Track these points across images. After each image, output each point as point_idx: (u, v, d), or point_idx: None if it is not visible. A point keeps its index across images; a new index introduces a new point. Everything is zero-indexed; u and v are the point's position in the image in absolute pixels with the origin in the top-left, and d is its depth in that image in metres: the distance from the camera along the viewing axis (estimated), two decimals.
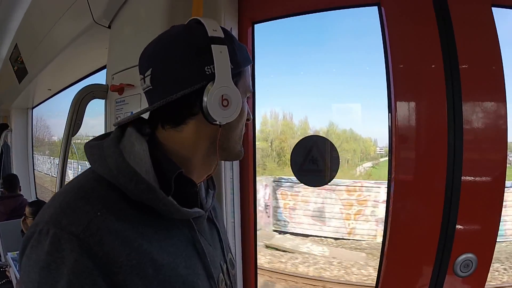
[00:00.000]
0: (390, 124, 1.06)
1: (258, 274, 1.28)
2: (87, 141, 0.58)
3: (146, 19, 1.28)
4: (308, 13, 1.20)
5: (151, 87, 0.59)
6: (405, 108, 1.03)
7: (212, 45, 0.57)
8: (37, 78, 2.97)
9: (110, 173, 0.52)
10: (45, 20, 2.22)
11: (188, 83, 0.57)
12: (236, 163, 1.22)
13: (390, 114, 1.06)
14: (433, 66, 0.99)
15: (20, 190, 3.44)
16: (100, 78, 2.60)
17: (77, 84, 3.16)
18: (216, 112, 0.57)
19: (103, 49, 1.64)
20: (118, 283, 0.46)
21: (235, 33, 1.19)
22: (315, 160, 1.14)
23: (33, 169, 4.64)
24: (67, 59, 2.30)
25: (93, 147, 0.56)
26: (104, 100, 1.43)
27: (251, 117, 0.69)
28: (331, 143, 1.16)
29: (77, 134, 1.32)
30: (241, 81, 0.62)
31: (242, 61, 0.62)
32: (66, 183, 1.33)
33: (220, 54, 0.57)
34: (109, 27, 1.58)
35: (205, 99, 0.56)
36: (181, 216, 0.57)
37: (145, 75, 0.60)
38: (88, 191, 0.51)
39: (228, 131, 0.62)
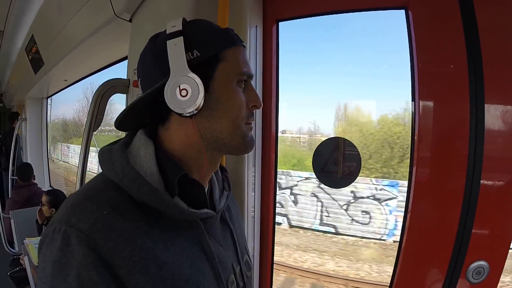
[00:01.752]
0: (413, 125, 1.05)
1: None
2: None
3: (169, 14, 1.26)
4: (333, 13, 1.18)
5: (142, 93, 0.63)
6: (428, 110, 1.01)
7: (167, 41, 0.58)
8: (53, 69, 2.99)
9: (117, 176, 0.55)
10: (63, 12, 2.23)
11: (155, 83, 0.59)
12: (258, 159, 1.21)
13: (413, 115, 1.04)
14: (457, 69, 0.97)
15: (34, 179, 3.48)
16: (118, 69, 2.62)
17: (95, 74, 3.17)
18: (175, 104, 0.57)
19: (123, 42, 1.64)
20: (121, 276, 0.49)
21: (259, 30, 1.17)
22: (337, 162, 1.13)
23: (47, 158, 4.70)
24: (85, 51, 2.31)
25: (104, 152, 0.60)
26: (125, 95, 1.43)
27: (260, 103, 0.66)
28: (350, 143, 1.15)
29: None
30: (221, 66, 0.61)
31: (215, 44, 0.61)
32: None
33: (174, 47, 0.58)
34: (130, 20, 1.57)
35: (165, 93, 0.58)
36: (187, 217, 0.59)
37: (139, 84, 0.65)
38: (97, 192, 0.55)
39: (212, 122, 0.61)
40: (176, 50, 0.58)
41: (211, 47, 0.60)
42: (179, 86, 0.57)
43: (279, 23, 1.22)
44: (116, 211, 0.52)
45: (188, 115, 0.58)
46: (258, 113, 1.20)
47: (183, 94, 0.57)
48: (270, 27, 1.20)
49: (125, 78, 1.46)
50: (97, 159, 0.61)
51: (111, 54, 2.44)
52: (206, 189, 0.66)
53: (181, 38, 0.58)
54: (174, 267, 0.55)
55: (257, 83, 1.18)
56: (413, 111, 1.04)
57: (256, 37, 1.15)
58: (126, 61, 1.58)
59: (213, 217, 0.65)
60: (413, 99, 1.04)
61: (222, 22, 1.01)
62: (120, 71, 2.63)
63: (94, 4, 1.80)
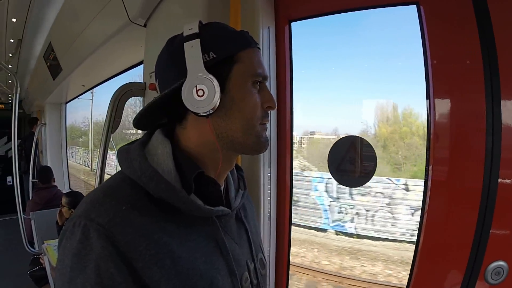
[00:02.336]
0: (428, 123, 1.03)
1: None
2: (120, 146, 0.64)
3: (183, 18, 1.28)
4: (345, 12, 1.17)
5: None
6: (443, 107, 0.99)
7: (184, 43, 0.60)
8: (71, 75, 3.05)
9: (135, 173, 0.57)
10: (79, 19, 2.28)
11: (172, 83, 0.61)
12: (274, 159, 1.21)
13: (428, 112, 1.02)
14: (472, 64, 0.94)
15: (54, 182, 3.56)
16: (135, 73, 2.67)
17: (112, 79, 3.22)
18: (192, 103, 0.59)
19: (138, 47, 1.66)
20: (138, 269, 0.51)
21: (272, 31, 1.17)
22: (352, 161, 1.12)
23: (67, 161, 4.80)
24: (102, 56, 2.35)
25: (123, 151, 0.61)
26: (142, 98, 1.45)
27: (275, 104, 0.67)
28: (367, 142, 1.14)
29: None
30: (236, 67, 0.62)
31: (230, 46, 0.62)
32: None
33: (191, 49, 0.60)
34: (145, 25, 1.60)
35: (182, 93, 0.59)
36: (202, 213, 0.60)
37: (156, 86, 0.67)
38: (115, 189, 0.57)
39: (227, 122, 0.62)
40: (193, 51, 0.59)
41: (226, 49, 0.61)
42: (196, 87, 0.58)
43: (291, 23, 1.22)
44: (134, 207, 0.54)
45: (204, 114, 0.60)
46: (273, 114, 1.20)
47: (199, 94, 0.58)
48: (282, 28, 1.20)
49: (142, 81, 1.49)
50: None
51: (127, 59, 2.49)
52: (222, 188, 0.68)
53: (198, 40, 0.60)
54: (189, 262, 0.56)
55: (271, 84, 1.18)
56: (428, 108, 1.02)
57: (268, 38, 1.15)
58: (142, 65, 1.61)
59: (228, 215, 0.66)
60: (428, 96, 1.02)
61: (235, 24, 1.02)
62: (138, 75, 2.66)
63: (109, 11, 1.83)
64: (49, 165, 4.23)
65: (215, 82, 0.59)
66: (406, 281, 1.08)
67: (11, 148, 3.57)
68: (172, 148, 0.62)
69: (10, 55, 3.35)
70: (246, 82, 0.62)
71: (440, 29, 0.99)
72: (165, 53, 0.65)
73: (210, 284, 0.58)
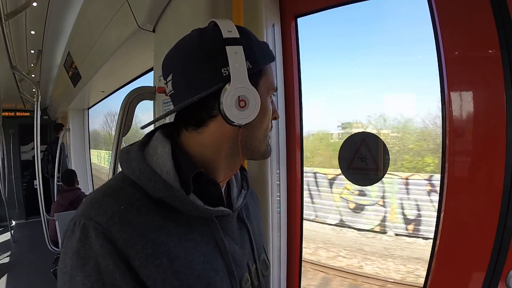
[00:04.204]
0: (443, 117, 0.95)
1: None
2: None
3: (188, 20, 1.25)
4: (352, 3, 1.09)
5: (173, 91, 0.60)
6: (459, 99, 0.91)
7: (226, 47, 0.56)
8: (90, 82, 3.12)
9: (134, 173, 0.55)
10: (93, 29, 2.32)
11: (205, 86, 0.56)
12: (283, 157, 1.16)
13: (443, 105, 0.94)
14: (489, 52, 0.86)
15: (77, 184, 3.61)
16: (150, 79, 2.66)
17: (129, 85, 3.26)
18: (233, 113, 0.56)
19: (151, 52, 1.65)
20: (135, 267, 0.50)
21: (277, 29, 1.11)
22: (364, 158, 1.05)
23: (90, 164, 4.89)
24: (117, 63, 2.38)
25: (123, 152, 0.60)
26: (152, 101, 1.43)
27: (278, 115, 0.67)
28: (380, 139, 1.07)
29: None
30: (262, 80, 0.61)
31: (262, 59, 0.60)
32: None
33: (235, 55, 0.56)
34: (154, 31, 1.60)
35: (222, 101, 0.56)
36: (200, 213, 0.57)
37: (167, 80, 0.61)
38: (115, 189, 0.55)
39: (250, 131, 0.61)
40: (237, 59, 0.56)
41: (261, 62, 0.59)
42: (239, 97, 0.56)
43: (298, 19, 1.16)
44: (133, 206, 0.52)
45: (238, 124, 0.58)
46: (281, 112, 1.17)
47: (241, 105, 0.56)
48: (288, 24, 1.14)
49: (152, 85, 1.47)
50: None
51: (142, 64, 2.50)
52: (223, 188, 0.66)
53: (241, 47, 0.56)
54: (186, 261, 0.54)
55: (278, 83, 1.13)
56: (443, 100, 0.94)
57: (274, 36, 1.10)
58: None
59: (229, 215, 0.64)
60: (442, 87, 0.94)
61: (237, 23, 0.96)
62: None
63: (119, 19, 1.84)
64: (73, 168, 4.31)
65: (258, 97, 0.57)
66: None
67: None
68: (172, 148, 0.59)
69: (32, 65, 3.39)
70: (267, 95, 0.62)
71: (452, 15, 0.90)
72: (197, 46, 0.57)
73: (207, 285, 0.56)
